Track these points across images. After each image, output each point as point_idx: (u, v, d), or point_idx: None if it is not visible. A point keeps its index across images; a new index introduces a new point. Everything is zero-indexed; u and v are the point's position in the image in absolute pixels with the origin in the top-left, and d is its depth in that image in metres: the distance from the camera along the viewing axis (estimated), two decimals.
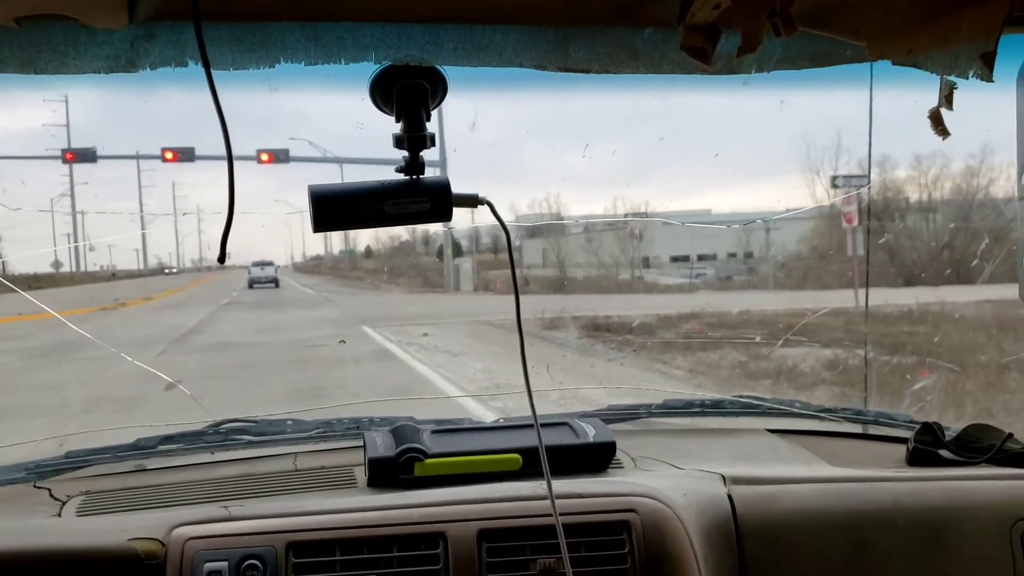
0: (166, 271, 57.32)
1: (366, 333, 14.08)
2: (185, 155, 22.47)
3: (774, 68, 1.21)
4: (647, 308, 15.91)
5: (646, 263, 31.59)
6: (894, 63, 1.15)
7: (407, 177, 1.09)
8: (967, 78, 1.11)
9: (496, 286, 25.16)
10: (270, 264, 33.86)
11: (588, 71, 1.17)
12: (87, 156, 23.09)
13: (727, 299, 19.30)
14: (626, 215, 29.40)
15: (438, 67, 1.09)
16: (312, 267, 62.88)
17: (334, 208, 1.08)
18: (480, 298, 23.90)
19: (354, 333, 14.19)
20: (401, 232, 44.18)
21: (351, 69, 1.08)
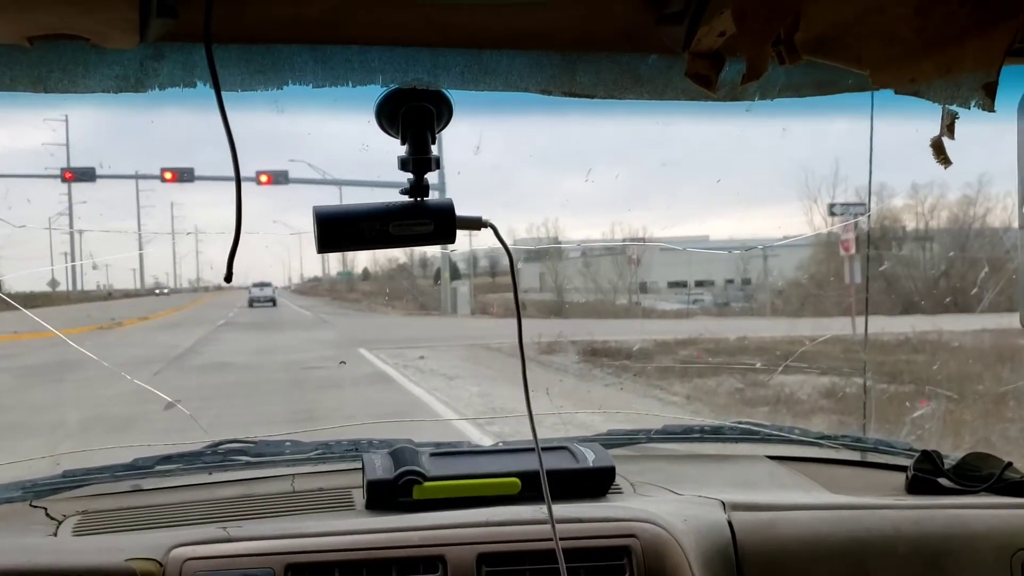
0: (157, 291, 56.70)
1: (363, 355, 14.02)
2: (184, 176, 22.52)
3: (777, 96, 1.22)
4: (645, 333, 15.86)
5: (643, 288, 31.60)
6: (896, 92, 1.15)
7: (411, 199, 1.10)
8: (969, 108, 1.11)
9: (493, 310, 25.15)
10: (268, 285, 36.38)
11: (593, 96, 1.17)
12: (86, 176, 23.10)
13: (725, 325, 19.28)
14: (624, 240, 29.48)
15: (444, 91, 1.09)
16: (309, 288, 62.98)
17: (339, 229, 1.09)
18: (477, 322, 23.85)
19: (351, 355, 14.17)
20: (399, 255, 44.71)
21: (358, 92, 1.08)
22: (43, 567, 1.28)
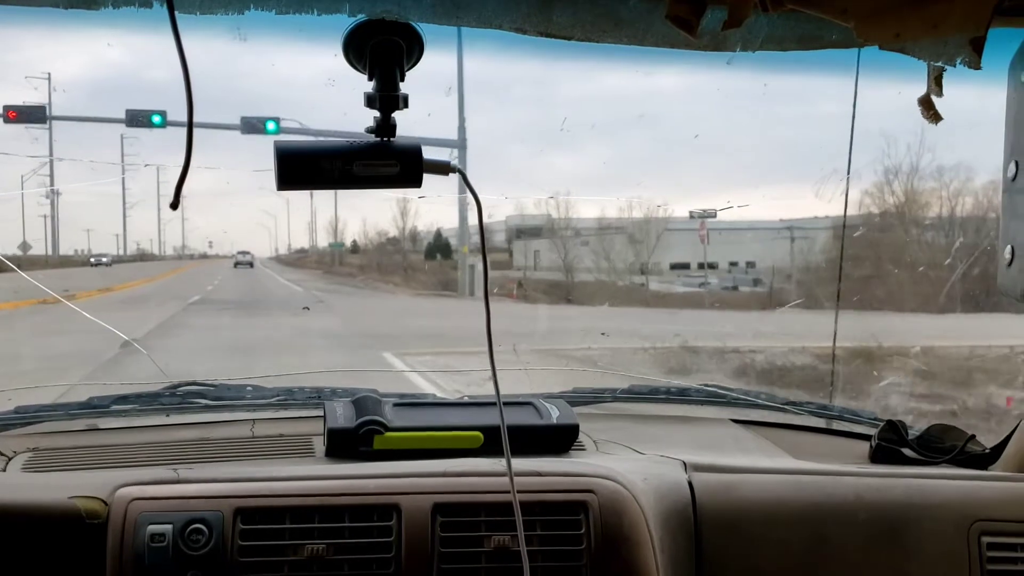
0: (92, 260, 43.97)
1: (395, 367, 9.59)
2: (152, 119, 21.79)
3: (759, 48, 1.32)
4: (784, 337, 11.69)
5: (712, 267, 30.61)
6: (881, 47, 1.25)
7: (377, 139, 1.24)
8: (955, 65, 1.25)
9: (513, 293, 24.29)
10: (248, 253, 55.58)
11: (570, 38, 1.25)
12: (33, 116, 21.21)
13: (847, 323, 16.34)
14: (691, 213, 28.51)
15: (415, 25, 1.21)
16: (296, 260, 64.64)
17: (300, 166, 1.22)
18: (508, 307, 19.72)
19: (373, 363, 10.09)
20: (388, 228, 46.72)
21: (324, 21, 1.17)
22: None
